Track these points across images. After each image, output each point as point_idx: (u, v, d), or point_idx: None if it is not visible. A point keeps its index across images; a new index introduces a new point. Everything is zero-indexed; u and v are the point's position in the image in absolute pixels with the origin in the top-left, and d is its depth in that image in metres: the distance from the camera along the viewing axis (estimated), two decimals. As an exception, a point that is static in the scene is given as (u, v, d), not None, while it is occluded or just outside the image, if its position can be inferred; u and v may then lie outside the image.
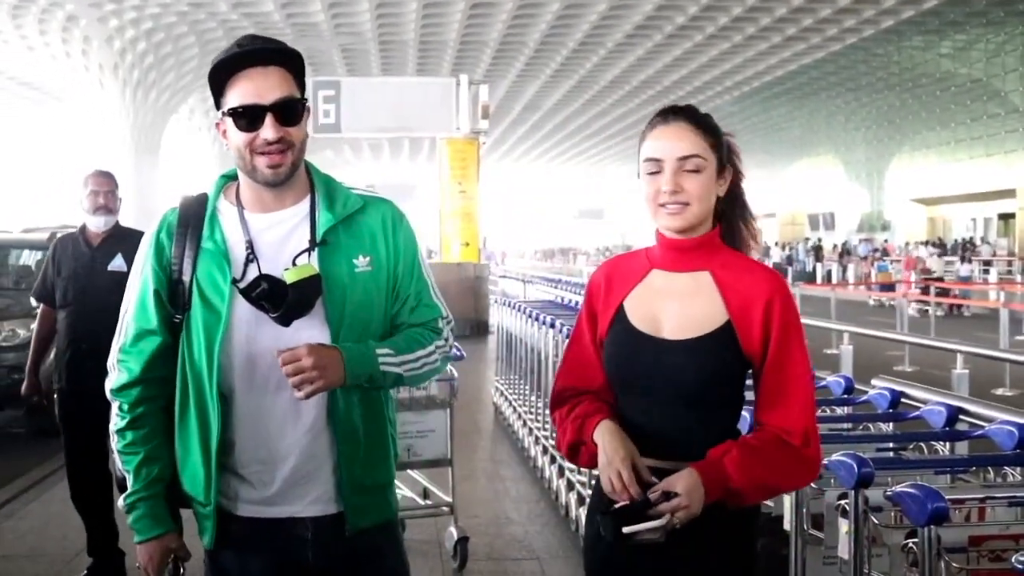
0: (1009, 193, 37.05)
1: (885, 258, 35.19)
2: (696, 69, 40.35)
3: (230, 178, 2.38)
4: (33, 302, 5.67)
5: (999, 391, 11.33)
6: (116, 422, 2.33)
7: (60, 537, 5.86)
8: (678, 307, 2.27)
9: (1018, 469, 3.35)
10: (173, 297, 2.27)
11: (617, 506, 2.09)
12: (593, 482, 2.29)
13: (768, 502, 3.53)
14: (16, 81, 40.07)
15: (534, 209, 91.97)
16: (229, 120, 2.22)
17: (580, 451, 2.31)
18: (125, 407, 2.32)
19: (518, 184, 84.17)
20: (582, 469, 5.46)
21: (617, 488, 2.12)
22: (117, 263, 4.98)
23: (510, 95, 45.42)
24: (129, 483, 2.32)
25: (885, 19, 33.54)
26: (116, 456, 2.35)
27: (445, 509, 5.62)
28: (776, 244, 47.84)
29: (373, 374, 2.25)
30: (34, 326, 5.35)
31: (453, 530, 5.45)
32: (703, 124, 2.27)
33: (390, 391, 2.41)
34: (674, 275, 2.30)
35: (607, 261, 2.49)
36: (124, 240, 5.04)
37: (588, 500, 2.45)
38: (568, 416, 2.34)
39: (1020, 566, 2.17)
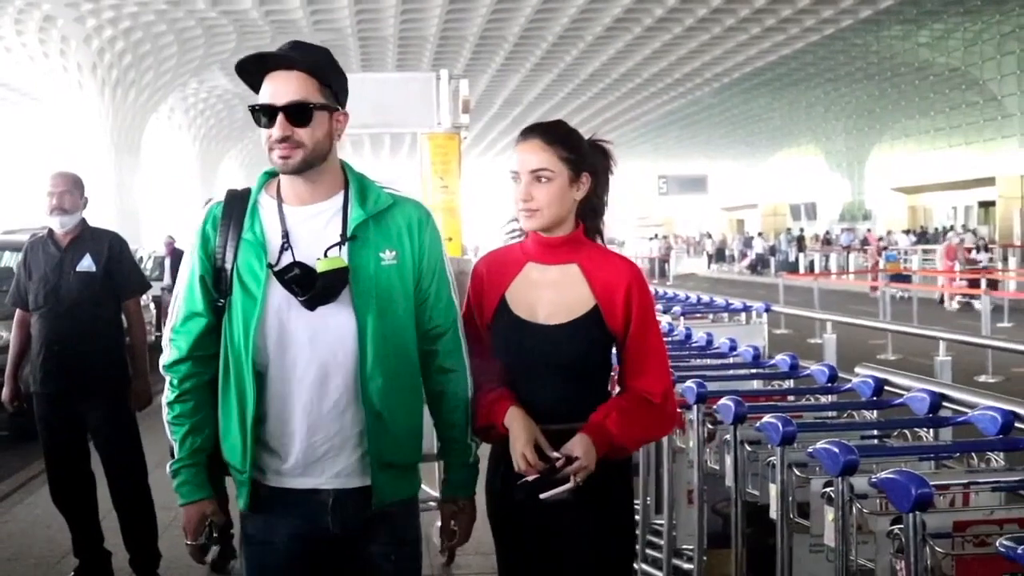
0: (989, 181, 37.23)
1: (894, 247, 34.04)
2: (676, 61, 40.40)
3: (272, 174, 2.58)
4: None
5: (982, 378, 11.39)
6: (167, 395, 2.55)
7: (46, 539, 5.84)
8: (552, 295, 2.67)
9: (1001, 454, 3.37)
10: (217, 283, 2.49)
11: (531, 478, 2.50)
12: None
13: (754, 491, 3.56)
14: (-7, 82, 39.80)
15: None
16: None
17: (491, 433, 2.69)
18: (175, 382, 2.53)
19: (500, 179, 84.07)
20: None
21: (524, 468, 2.51)
22: (86, 264, 4.96)
23: (490, 90, 45.42)
24: (175, 451, 2.52)
25: (863, 9, 33.66)
26: (166, 426, 2.55)
27: (433, 504, 5.61)
28: (759, 235, 47.92)
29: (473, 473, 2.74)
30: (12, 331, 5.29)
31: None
32: (555, 141, 2.66)
33: (419, 378, 2.62)
34: (547, 267, 2.70)
35: (485, 255, 2.87)
36: (93, 241, 5.03)
37: (488, 460, 2.85)
38: (480, 403, 2.68)
39: (1004, 550, 2.18)
